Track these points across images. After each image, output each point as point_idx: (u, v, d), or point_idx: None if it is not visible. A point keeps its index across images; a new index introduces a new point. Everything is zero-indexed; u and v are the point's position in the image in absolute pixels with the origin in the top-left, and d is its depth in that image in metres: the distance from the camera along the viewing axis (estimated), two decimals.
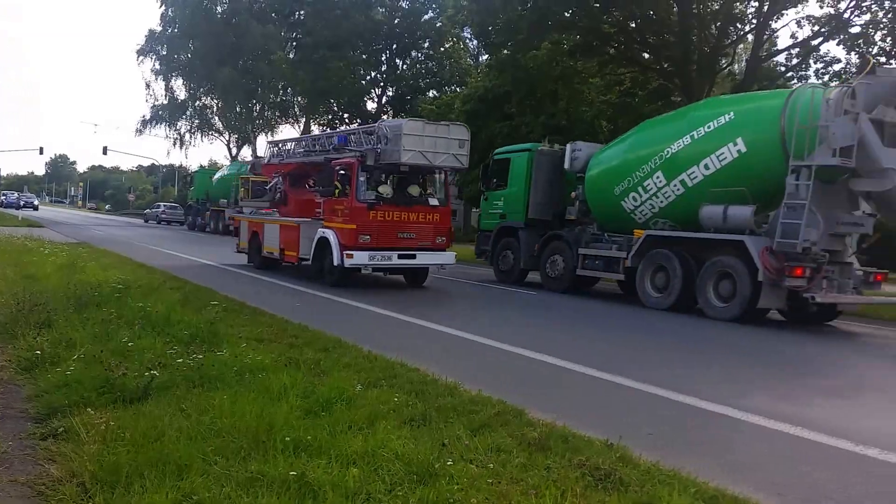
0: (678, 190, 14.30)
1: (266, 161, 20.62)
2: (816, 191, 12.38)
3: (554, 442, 5.00)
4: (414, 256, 15.11)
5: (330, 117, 58.47)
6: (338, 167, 15.16)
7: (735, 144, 13.31)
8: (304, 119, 59.39)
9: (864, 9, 25.57)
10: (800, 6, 27.50)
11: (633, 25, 29.58)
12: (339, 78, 49.60)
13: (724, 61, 30.62)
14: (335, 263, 14.70)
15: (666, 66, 29.24)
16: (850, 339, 12.89)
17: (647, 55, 30.94)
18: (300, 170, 18.77)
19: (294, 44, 56.70)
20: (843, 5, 26.04)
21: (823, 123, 12.11)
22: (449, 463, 4.43)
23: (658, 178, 14.61)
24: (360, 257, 14.46)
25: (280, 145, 20.19)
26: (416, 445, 4.70)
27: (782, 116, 12.80)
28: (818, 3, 26.70)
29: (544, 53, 29.98)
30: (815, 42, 27.39)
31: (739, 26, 29.70)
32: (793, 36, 28.35)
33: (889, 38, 25.11)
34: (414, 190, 15.51)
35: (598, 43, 29.86)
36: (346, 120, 57.42)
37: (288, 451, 4.51)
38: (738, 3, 28.59)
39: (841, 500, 4.67)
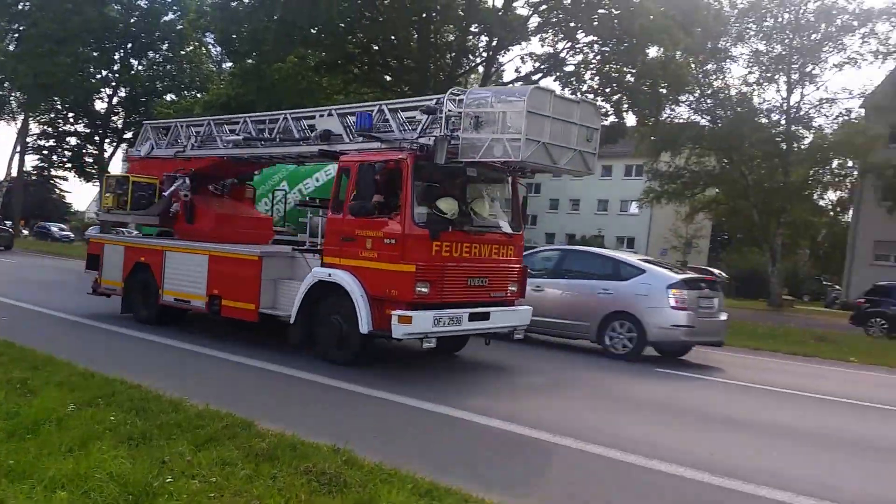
0: (297, 198, 15.81)
1: (143, 153, 13.18)
2: None
3: (282, 451, 5.00)
4: (487, 316, 9.32)
5: (53, 115, 53.07)
6: (374, 166, 8.90)
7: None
8: (21, 116, 53.13)
9: (578, 50, 28.76)
10: (524, 43, 30.21)
11: (377, 48, 30.45)
12: (66, 74, 45.12)
13: (457, 89, 32.54)
14: (364, 329, 8.71)
15: (406, 89, 30.39)
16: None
17: (388, 77, 32.00)
18: (222, 168, 12.45)
19: (16, 35, 50.56)
20: (560, 46, 29.02)
21: None
22: (168, 480, 4.26)
23: (283, 186, 16.32)
24: (421, 321, 8.46)
25: (180, 129, 12.68)
26: (134, 465, 4.45)
27: None
28: (540, 43, 29.58)
29: (290, 67, 29.83)
30: (535, 77, 30.11)
31: (472, 58, 31.89)
32: (517, 70, 30.96)
33: (597, 77, 28.50)
34: (482, 207, 9.70)
35: (343, 61, 30.35)
36: (71, 119, 52.49)
37: None
38: (470, 37, 30.64)
39: (539, 486, 5.20)
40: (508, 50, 30.91)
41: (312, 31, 28.23)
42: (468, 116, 8.48)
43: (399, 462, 4.98)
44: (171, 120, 14.23)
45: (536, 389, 9.21)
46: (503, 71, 32.73)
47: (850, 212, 42.62)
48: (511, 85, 28.70)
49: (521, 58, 30.11)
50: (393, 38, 29.32)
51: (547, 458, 5.97)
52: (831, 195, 42.88)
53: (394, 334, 8.50)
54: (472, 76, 34.68)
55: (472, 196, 9.73)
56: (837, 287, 44.64)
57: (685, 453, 6.13)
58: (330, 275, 9.10)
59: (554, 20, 28.06)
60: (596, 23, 26.30)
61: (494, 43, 29.60)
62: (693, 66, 32.04)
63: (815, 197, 40.11)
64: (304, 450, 5.08)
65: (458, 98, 8.80)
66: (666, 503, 5.11)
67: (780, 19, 34.94)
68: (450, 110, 8.73)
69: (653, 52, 26.94)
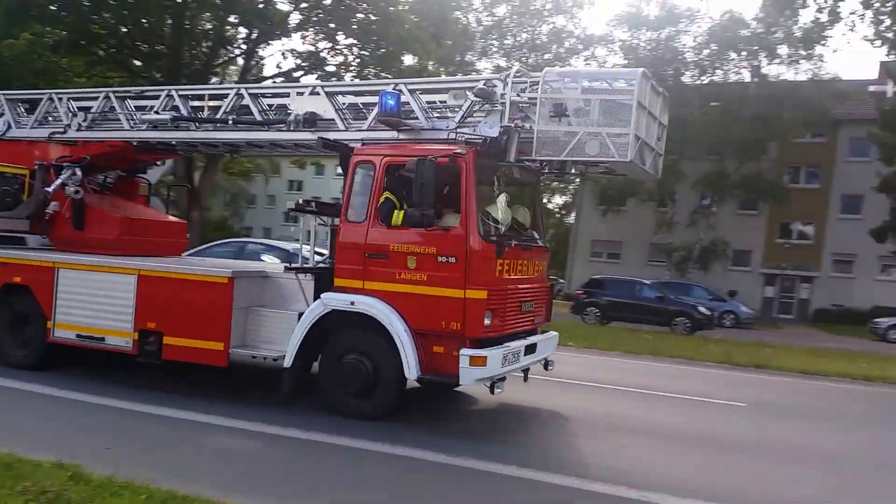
0: None
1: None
2: None
3: None
4: (534, 348, 7.72)
5: None
6: (433, 162, 6.50)
7: None
8: None
9: (338, 51, 28.73)
10: (285, 39, 29.49)
11: (125, 30, 27.99)
12: None
13: (215, 80, 31.00)
14: (413, 375, 6.62)
15: (157, 75, 28.30)
16: None
17: (138, 62, 29.58)
18: (118, 157, 9.31)
19: None
20: (321, 45, 28.78)
21: None
22: None
23: None
24: (494, 361, 6.60)
25: (56, 102, 9.45)
26: None
27: None
28: (301, 40, 29.11)
29: (24, 44, 26.38)
30: (297, 74, 29.55)
31: (230, 48, 30.49)
32: (278, 66, 30.20)
33: (356, 79, 28.63)
34: (523, 215, 7.79)
35: (87, 42, 27.49)
36: None
37: None
38: (228, 27, 29.27)
39: (308, 488, 5.02)
40: (269, 44, 30.01)
41: (51, 7, 25.32)
42: (546, 104, 6.70)
43: (134, 473, 4.58)
44: (41, 91, 10.45)
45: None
46: (263, 65, 31.82)
47: (573, 214, 47.27)
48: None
49: (283, 53, 29.51)
50: (144, 21, 27.11)
51: (322, 460, 5.83)
52: (558, 199, 47.33)
53: (462, 381, 6.56)
54: (232, 67, 33.32)
55: (509, 200, 7.53)
56: (561, 280, 49.13)
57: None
58: (353, 303, 6.84)
59: (315, 19, 27.77)
60: (355, 26, 26.50)
61: (255, 35, 28.59)
62: (444, 76, 33.47)
63: (545, 201, 43.90)
64: (21, 468, 4.50)
65: (524, 80, 6.98)
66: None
67: (518, 38, 37.80)
68: (519, 95, 6.87)
69: (408, 59, 27.71)
